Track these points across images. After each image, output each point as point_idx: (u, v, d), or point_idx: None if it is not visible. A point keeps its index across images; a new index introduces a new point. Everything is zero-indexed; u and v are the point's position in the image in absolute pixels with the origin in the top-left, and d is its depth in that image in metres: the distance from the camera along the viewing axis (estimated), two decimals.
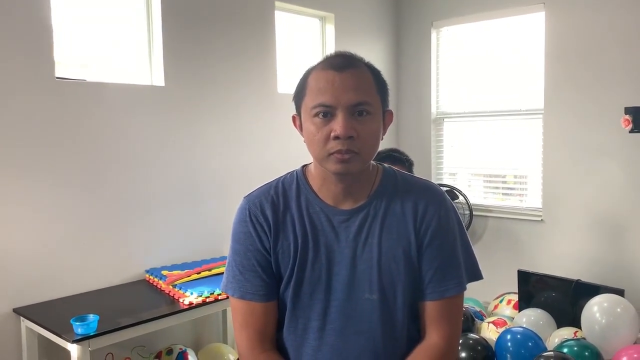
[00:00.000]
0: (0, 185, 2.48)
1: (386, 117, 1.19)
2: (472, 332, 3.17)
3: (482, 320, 3.44)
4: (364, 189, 1.20)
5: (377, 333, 1.17)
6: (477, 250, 4.31)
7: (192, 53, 3.16)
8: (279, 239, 1.18)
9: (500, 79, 4.12)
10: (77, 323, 2.21)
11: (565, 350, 2.76)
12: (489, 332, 3.20)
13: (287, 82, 3.70)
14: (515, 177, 4.23)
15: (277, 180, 1.25)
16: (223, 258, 3.14)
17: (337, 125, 1.08)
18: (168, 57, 3.05)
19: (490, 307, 3.75)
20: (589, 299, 3.02)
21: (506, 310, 3.61)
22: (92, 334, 2.21)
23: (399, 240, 1.17)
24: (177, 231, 3.14)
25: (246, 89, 3.45)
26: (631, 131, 3.29)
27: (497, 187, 4.31)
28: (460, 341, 2.94)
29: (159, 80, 3.06)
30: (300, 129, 1.18)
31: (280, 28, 3.70)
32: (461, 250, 1.22)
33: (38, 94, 2.57)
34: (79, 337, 2.18)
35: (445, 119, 4.46)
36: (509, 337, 2.93)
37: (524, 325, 3.13)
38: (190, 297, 2.62)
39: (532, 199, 4.05)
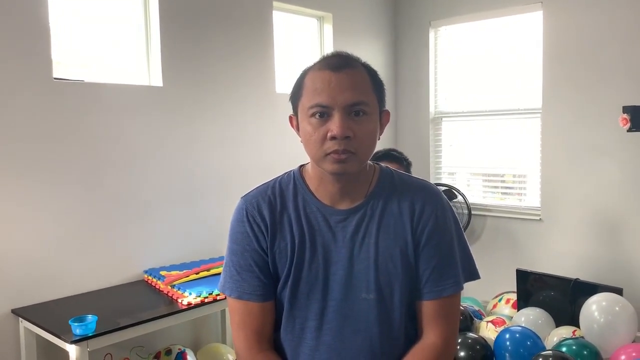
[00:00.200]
0: None
1: (383, 117, 1.19)
2: (470, 331, 3.17)
3: (481, 319, 3.44)
4: (361, 189, 1.20)
5: (375, 333, 1.17)
6: (476, 250, 4.30)
7: (190, 53, 3.16)
8: (276, 239, 1.18)
9: (498, 79, 4.12)
10: (76, 324, 2.21)
11: (563, 349, 2.76)
12: (488, 331, 3.20)
13: (285, 82, 3.70)
14: (514, 176, 4.24)
15: (274, 180, 1.25)
16: (221, 258, 3.13)
17: (334, 126, 1.08)
18: (166, 57, 3.05)
19: (489, 307, 3.75)
20: (587, 298, 3.02)
21: (505, 309, 3.61)
22: (90, 334, 2.21)
23: (396, 240, 1.17)
24: (176, 231, 3.14)
25: (244, 89, 3.45)
26: (629, 130, 3.28)
27: (496, 187, 4.32)
28: (459, 340, 2.94)
29: (157, 80, 3.06)
30: (297, 129, 1.18)
31: (278, 28, 3.70)
32: (458, 249, 1.22)
33: (36, 94, 2.57)
34: (78, 338, 2.18)
35: (443, 119, 4.46)
36: (507, 336, 2.93)
37: (523, 325, 3.13)
38: (189, 297, 2.62)
39: (531, 198, 4.06)
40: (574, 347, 2.77)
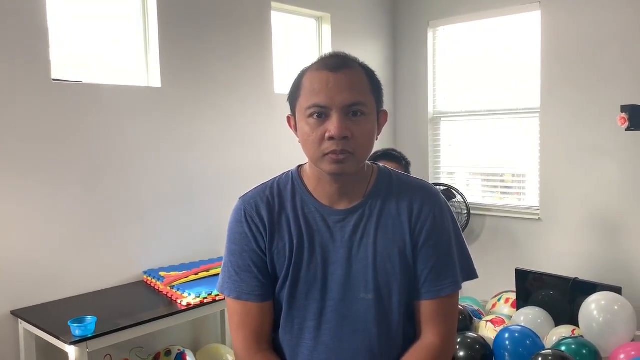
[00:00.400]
0: None
1: (381, 117, 1.19)
2: (470, 330, 3.17)
3: (480, 318, 3.44)
4: (359, 189, 1.20)
5: (373, 333, 1.17)
6: (475, 249, 4.31)
7: (188, 54, 3.16)
8: (275, 239, 1.19)
9: (497, 78, 4.13)
10: (75, 325, 2.21)
11: (563, 348, 2.77)
12: (487, 331, 3.21)
13: (283, 82, 3.70)
14: (513, 176, 4.24)
15: (273, 180, 1.25)
16: (220, 259, 3.13)
17: (332, 126, 1.08)
18: (164, 58, 3.05)
19: (488, 306, 3.75)
20: (586, 297, 3.02)
21: (504, 308, 3.62)
22: (90, 335, 2.21)
23: (394, 240, 1.17)
24: (175, 232, 3.14)
25: (243, 90, 3.45)
26: (627, 129, 3.29)
27: (495, 186, 4.32)
28: (459, 340, 2.94)
29: (155, 81, 3.06)
30: (295, 129, 1.18)
31: (277, 28, 3.70)
32: (456, 249, 1.22)
33: (35, 96, 2.57)
34: (77, 339, 2.18)
35: (442, 119, 4.46)
36: (507, 335, 2.93)
37: (522, 324, 3.13)
38: (188, 298, 2.62)
39: (530, 197, 4.06)
40: (573, 346, 2.77)
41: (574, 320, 3.12)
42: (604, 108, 3.51)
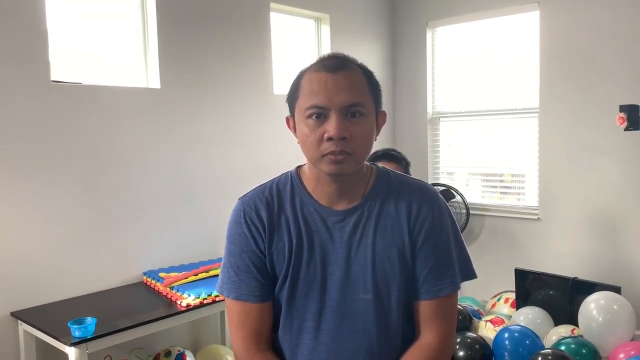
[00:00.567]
0: None
1: (379, 118, 1.20)
2: (469, 330, 3.17)
3: (480, 318, 3.44)
4: (358, 190, 1.21)
5: (372, 333, 1.17)
6: (475, 250, 4.32)
7: (187, 55, 3.16)
8: (274, 240, 1.19)
9: (496, 78, 4.13)
10: (75, 326, 2.21)
11: (562, 347, 2.77)
12: (487, 331, 3.21)
13: (283, 83, 3.70)
14: (512, 175, 4.25)
15: (272, 181, 1.26)
16: (220, 259, 3.12)
17: (331, 127, 1.09)
18: (164, 59, 3.05)
19: (488, 306, 3.75)
20: (586, 297, 3.03)
21: (504, 308, 3.62)
22: (89, 336, 2.22)
23: (393, 240, 1.18)
24: (174, 233, 3.14)
25: (242, 91, 3.45)
26: (626, 129, 3.29)
27: (494, 186, 4.32)
28: (458, 340, 2.94)
29: (154, 82, 3.06)
30: (294, 130, 1.19)
31: (276, 29, 3.71)
32: (455, 249, 1.22)
33: (34, 97, 2.57)
34: (77, 340, 2.19)
35: (441, 119, 4.47)
36: (506, 335, 2.93)
37: (522, 324, 3.14)
38: (188, 298, 2.63)
39: (529, 197, 4.06)
40: (572, 346, 2.77)
41: (573, 320, 3.12)
42: (603, 108, 3.52)
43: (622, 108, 3.30)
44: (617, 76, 3.48)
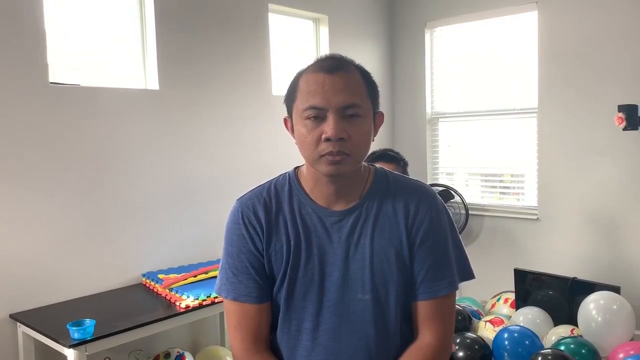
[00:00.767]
0: None
1: (377, 118, 1.20)
2: (469, 331, 3.17)
3: (479, 319, 3.44)
4: (356, 190, 1.21)
5: (371, 333, 1.17)
6: (474, 250, 4.31)
7: (186, 56, 3.16)
8: (272, 241, 1.19)
9: (494, 79, 4.13)
10: (74, 328, 2.21)
11: (562, 347, 2.77)
12: (486, 331, 3.21)
13: (281, 84, 3.70)
14: (512, 176, 4.25)
15: (270, 182, 1.26)
16: (219, 261, 3.13)
17: (328, 128, 1.09)
18: (162, 60, 3.05)
19: (488, 306, 3.75)
20: (585, 297, 3.03)
21: (503, 308, 3.62)
22: (88, 338, 2.21)
23: (390, 241, 1.18)
24: (173, 234, 3.14)
25: (241, 92, 3.45)
26: (625, 129, 3.31)
27: (494, 187, 4.32)
28: (458, 340, 2.94)
29: (153, 84, 3.06)
30: (292, 131, 1.19)
31: (274, 30, 3.71)
32: (453, 249, 1.22)
33: (32, 99, 2.57)
34: (76, 342, 2.18)
35: (440, 119, 4.47)
36: (506, 335, 2.93)
37: (521, 324, 3.14)
38: (187, 300, 2.62)
39: (529, 197, 4.06)
40: (572, 346, 2.77)
41: (572, 320, 3.12)
42: (602, 108, 3.52)
43: (621, 108, 3.31)
44: (615, 76, 3.48)
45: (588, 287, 3.17)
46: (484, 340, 2.99)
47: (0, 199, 2.49)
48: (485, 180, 4.36)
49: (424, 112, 4.47)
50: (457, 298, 4.05)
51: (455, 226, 1.26)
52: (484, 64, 4.17)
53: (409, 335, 1.22)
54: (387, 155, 2.38)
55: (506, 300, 3.64)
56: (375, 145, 1.31)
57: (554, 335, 3.06)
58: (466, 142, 4.36)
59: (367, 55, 4.34)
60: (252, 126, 3.51)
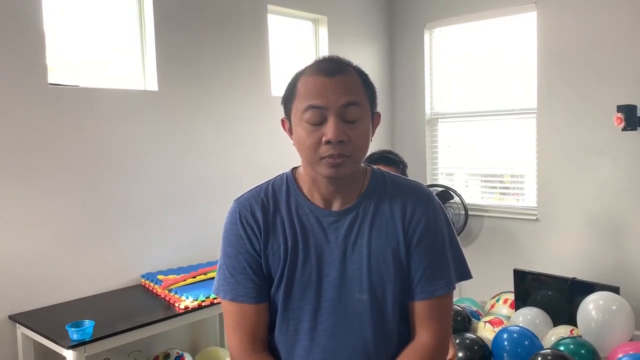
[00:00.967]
0: None
1: (374, 119, 1.20)
2: (469, 331, 3.17)
3: (479, 319, 3.44)
4: (354, 191, 1.21)
5: (368, 333, 1.18)
6: (473, 251, 4.30)
7: (185, 57, 3.16)
8: (269, 241, 1.19)
9: (494, 79, 4.14)
10: (73, 329, 2.21)
11: (561, 348, 2.77)
12: (486, 332, 3.21)
13: (281, 85, 3.70)
14: (512, 176, 4.25)
15: (267, 183, 1.26)
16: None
17: (329, 130, 1.09)
18: (161, 61, 3.05)
19: (487, 307, 3.76)
20: (584, 297, 3.03)
21: (503, 309, 3.62)
22: (87, 339, 2.21)
23: (388, 241, 1.18)
24: (172, 235, 3.14)
25: (240, 93, 3.45)
26: (624, 129, 3.31)
27: (494, 187, 4.32)
28: (457, 341, 2.94)
29: (152, 85, 3.06)
30: (290, 132, 1.19)
31: (274, 31, 3.71)
32: (450, 249, 1.22)
33: (31, 100, 2.57)
34: (75, 343, 2.18)
35: (439, 120, 4.47)
36: (505, 336, 2.94)
37: (521, 324, 3.14)
38: (186, 301, 2.62)
39: (529, 198, 4.06)
40: (571, 346, 2.77)
41: (572, 320, 3.12)
42: (601, 108, 3.52)
43: (620, 108, 3.32)
44: (614, 76, 3.48)
45: (587, 288, 3.17)
46: (483, 341, 2.99)
47: (0, 199, 2.49)
48: (485, 181, 4.36)
49: (424, 113, 4.47)
50: (456, 299, 4.08)
51: (453, 226, 1.26)
52: (484, 64, 4.17)
53: (406, 334, 1.22)
54: (386, 158, 2.37)
55: (506, 301, 3.64)
56: (374, 146, 1.31)
57: (553, 335, 3.06)
58: (466, 143, 4.36)
59: (366, 56, 4.34)
60: (251, 127, 3.51)
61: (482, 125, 4.26)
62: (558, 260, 3.76)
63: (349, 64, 1.17)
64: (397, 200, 1.20)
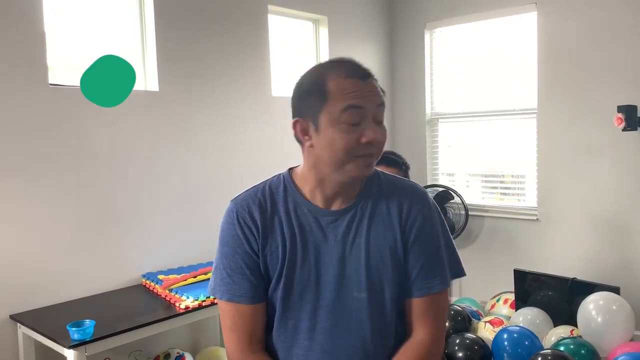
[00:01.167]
0: None
1: None
2: (469, 331, 3.17)
3: (479, 319, 3.44)
4: (353, 191, 1.23)
5: (367, 331, 1.19)
6: (474, 251, 4.30)
7: (186, 58, 3.16)
8: (268, 241, 1.20)
9: (494, 79, 4.14)
10: (74, 328, 2.21)
11: (561, 348, 2.77)
12: (486, 332, 3.21)
13: (281, 85, 3.70)
14: (512, 176, 4.25)
15: (264, 183, 1.26)
16: None
17: (370, 131, 1.13)
18: (162, 62, 3.06)
19: (487, 307, 3.76)
20: (584, 297, 3.03)
21: (503, 309, 3.62)
22: (88, 339, 2.22)
23: (385, 239, 1.20)
24: (173, 235, 3.14)
25: (241, 93, 3.46)
26: (624, 129, 3.31)
27: (494, 187, 4.32)
28: (457, 341, 2.95)
29: (153, 85, 3.06)
30: (304, 134, 1.17)
31: (274, 31, 3.71)
32: (444, 247, 1.24)
33: (32, 100, 2.58)
34: (76, 343, 2.19)
35: (439, 120, 4.47)
36: (505, 336, 2.94)
37: (521, 324, 3.14)
38: (187, 301, 2.63)
39: (529, 198, 4.06)
40: (571, 347, 2.77)
41: (572, 321, 3.12)
42: (601, 108, 3.52)
43: (620, 108, 3.31)
44: (614, 77, 3.48)
45: (588, 288, 3.17)
46: (483, 341, 2.99)
47: (1, 198, 2.50)
48: (486, 181, 4.36)
49: (424, 113, 4.47)
50: (457, 299, 4.08)
51: (446, 224, 1.29)
52: (484, 64, 4.17)
53: (402, 332, 1.24)
54: (388, 159, 2.37)
55: (506, 301, 3.64)
56: None
57: (553, 335, 3.06)
58: (466, 143, 4.36)
59: (366, 56, 4.34)
60: (251, 127, 3.52)
61: (483, 126, 4.26)
62: (558, 260, 3.76)
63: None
64: (393, 200, 1.22)
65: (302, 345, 1.20)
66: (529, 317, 3.22)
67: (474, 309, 3.61)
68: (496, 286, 3.89)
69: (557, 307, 3.32)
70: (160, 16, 3.04)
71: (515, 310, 3.44)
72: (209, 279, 2.86)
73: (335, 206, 1.21)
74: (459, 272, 1.27)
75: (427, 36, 4.42)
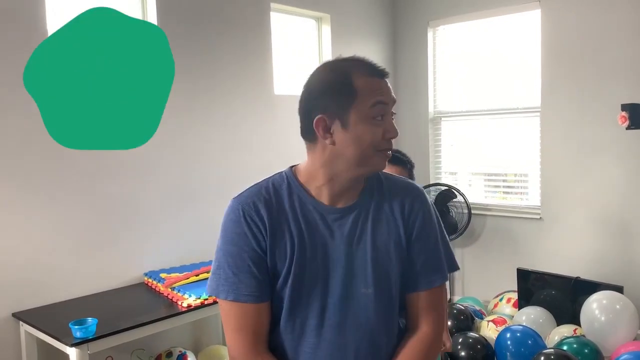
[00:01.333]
0: None
1: None
2: (472, 330, 3.17)
3: (482, 318, 3.44)
4: (357, 188, 1.24)
5: (374, 326, 1.20)
6: (477, 250, 4.30)
7: (187, 56, 3.15)
8: (276, 239, 1.18)
9: (497, 78, 4.13)
10: (76, 327, 2.21)
11: (565, 347, 2.76)
12: (489, 331, 3.21)
13: (284, 83, 3.70)
14: (515, 175, 4.24)
15: (266, 180, 1.25)
16: None
17: (391, 127, 1.18)
18: None
19: (490, 306, 3.75)
20: (588, 296, 3.02)
21: (506, 308, 3.61)
22: (90, 337, 2.22)
23: (390, 235, 1.22)
24: (176, 234, 3.14)
25: (243, 91, 3.45)
26: (628, 128, 3.29)
27: (497, 186, 4.31)
28: (460, 340, 2.94)
29: None
30: (326, 130, 1.16)
31: (276, 29, 3.70)
32: (441, 243, 1.28)
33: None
34: (78, 341, 2.19)
35: (442, 118, 4.46)
36: (508, 335, 2.93)
37: (524, 324, 3.13)
38: (189, 299, 2.63)
39: (533, 197, 4.05)
40: (575, 346, 2.77)
41: (575, 320, 3.12)
42: (605, 107, 3.51)
43: (624, 107, 3.30)
44: (618, 75, 3.47)
45: (591, 287, 3.16)
46: (486, 340, 2.99)
47: (3, 198, 2.50)
48: (489, 180, 4.35)
49: (427, 111, 4.46)
50: (459, 298, 4.07)
51: (441, 221, 1.33)
52: (487, 62, 4.16)
53: (402, 325, 1.27)
54: (394, 158, 2.35)
55: (509, 300, 3.64)
56: None
57: (556, 335, 3.06)
58: (469, 142, 4.35)
59: (369, 54, 4.26)
60: (253, 125, 3.51)
61: (486, 124, 4.25)
62: (561, 259, 3.75)
63: None
64: (395, 197, 1.25)
65: (310, 342, 1.19)
66: (532, 316, 3.22)
67: (477, 308, 3.61)
68: (499, 285, 3.89)
69: (560, 306, 3.31)
70: (162, 14, 3.04)
71: (518, 310, 3.44)
72: None
73: (341, 204, 1.22)
74: (454, 267, 1.30)
75: (430, 34, 4.41)
